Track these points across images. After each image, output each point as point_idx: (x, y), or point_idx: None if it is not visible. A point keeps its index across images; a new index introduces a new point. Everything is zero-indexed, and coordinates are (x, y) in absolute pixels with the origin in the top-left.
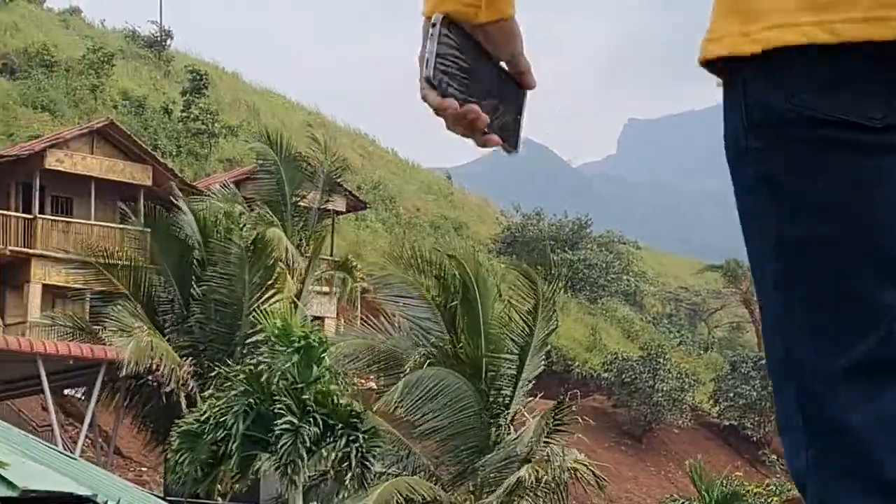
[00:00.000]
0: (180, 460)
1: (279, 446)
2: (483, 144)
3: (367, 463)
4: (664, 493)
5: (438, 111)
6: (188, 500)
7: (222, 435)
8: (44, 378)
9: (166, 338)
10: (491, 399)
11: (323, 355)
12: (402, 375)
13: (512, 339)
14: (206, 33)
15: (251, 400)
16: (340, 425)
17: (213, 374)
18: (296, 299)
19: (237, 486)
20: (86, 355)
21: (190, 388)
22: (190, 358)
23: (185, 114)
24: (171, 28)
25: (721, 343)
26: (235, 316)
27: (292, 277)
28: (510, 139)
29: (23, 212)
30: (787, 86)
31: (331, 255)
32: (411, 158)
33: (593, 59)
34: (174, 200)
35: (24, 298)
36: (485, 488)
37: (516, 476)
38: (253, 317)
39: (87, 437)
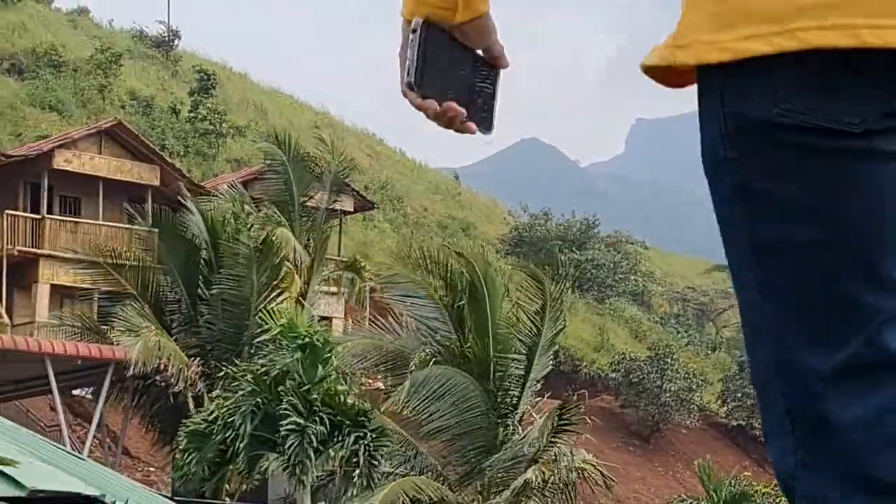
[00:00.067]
0: (188, 460)
1: (286, 447)
2: (460, 132)
3: (374, 462)
4: (672, 493)
5: (419, 109)
6: (195, 500)
7: (230, 435)
8: (52, 378)
9: (174, 338)
10: (499, 399)
11: (328, 355)
12: (409, 375)
13: (520, 340)
14: (214, 33)
15: (258, 400)
16: (348, 423)
17: (220, 374)
18: (302, 299)
19: (245, 486)
20: (94, 355)
21: (197, 388)
22: (197, 358)
23: (192, 114)
24: (178, 28)
25: (729, 343)
26: (243, 316)
27: (300, 277)
28: (485, 123)
29: (31, 212)
30: (764, 94)
31: (339, 256)
32: (419, 158)
33: (601, 59)
34: (182, 201)
35: (33, 298)
36: (492, 488)
37: (524, 477)
38: (259, 317)
39: (95, 437)
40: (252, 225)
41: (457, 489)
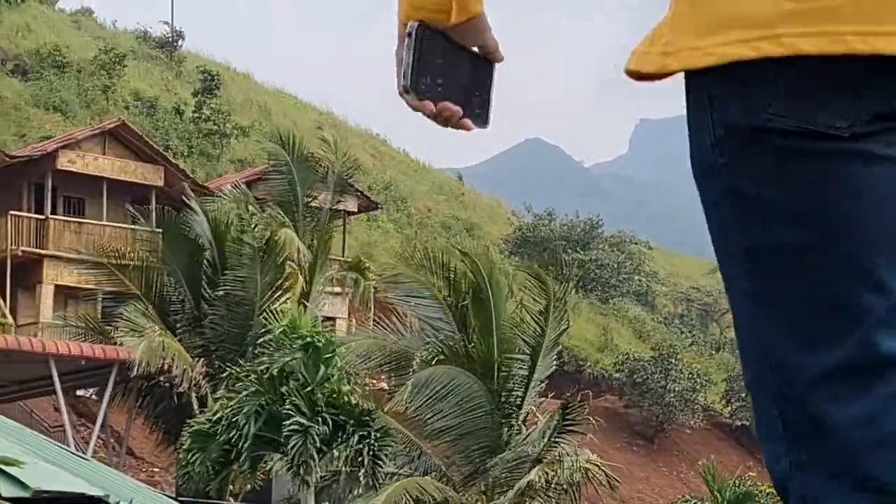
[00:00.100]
0: (191, 460)
1: (289, 447)
2: (458, 129)
3: (378, 462)
4: (676, 493)
5: (416, 110)
6: (199, 500)
7: (234, 435)
8: (56, 378)
9: (178, 338)
10: (502, 399)
11: (330, 355)
12: (411, 374)
13: (524, 340)
14: (218, 34)
15: (262, 401)
16: (352, 422)
17: (224, 374)
18: (304, 300)
19: (249, 486)
20: (98, 356)
21: (202, 388)
22: (202, 358)
23: (196, 114)
24: (182, 29)
25: (733, 343)
26: (247, 316)
27: (304, 278)
28: (481, 118)
29: (35, 212)
30: (752, 99)
31: (342, 256)
32: (422, 159)
33: (605, 59)
34: (186, 201)
35: (37, 299)
36: (496, 489)
37: (527, 478)
38: (263, 317)
39: (99, 437)
40: (256, 225)
41: (461, 489)
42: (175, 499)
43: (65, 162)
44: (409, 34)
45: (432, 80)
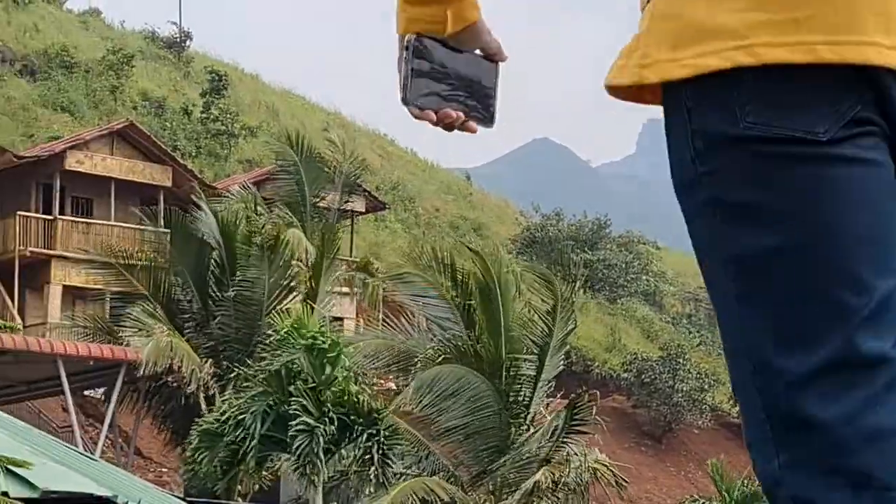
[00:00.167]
0: (198, 459)
1: (295, 447)
2: (463, 131)
3: (387, 461)
4: (684, 493)
5: (418, 119)
6: (207, 500)
7: (241, 435)
8: (64, 379)
9: (186, 338)
10: (510, 399)
11: (336, 356)
12: (415, 372)
13: (532, 340)
14: (226, 34)
15: (270, 401)
16: (361, 421)
17: (232, 374)
18: (312, 301)
19: (257, 486)
20: (106, 356)
21: (210, 388)
22: (210, 359)
23: (204, 115)
24: (190, 29)
25: None
26: (255, 316)
27: (311, 278)
28: (486, 118)
29: (43, 213)
30: (730, 108)
31: (350, 256)
32: (430, 159)
33: (612, 59)
34: (196, 200)
35: (45, 299)
36: (504, 489)
37: (534, 479)
38: (270, 318)
39: (107, 437)
40: (264, 225)
41: (469, 490)
42: (183, 499)
43: (73, 162)
44: (406, 47)
45: (432, 88)
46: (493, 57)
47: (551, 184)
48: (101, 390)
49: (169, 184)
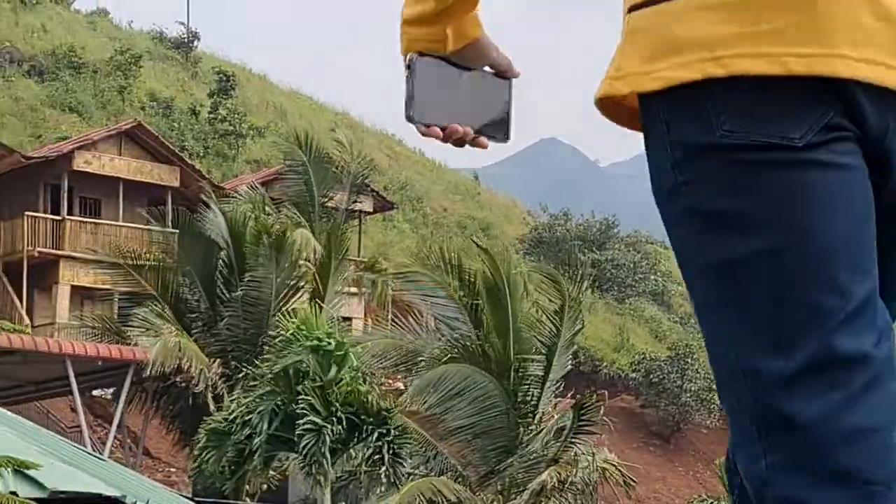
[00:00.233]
0: (206, 458)
1: (302, 446)
2: (474, 147)
3: (398, 460)
4: (693, 493)
5: (424, 136)
6: (216, 500)
7: (248, 434)
8: (72, 379)
9: (193, 338)
10: (518, 399)
11: (344, 356)
12: (419, 371)
13: (539, 340)
14: (234, 35)
15: (278, 400)
16: (371, 420)
17: (241, 374)
18: (320, 301)
19: (265, 486)
20: (114, 356)
21: (218, 388)
22: (218, 359)
23: (212, 115)
24: (198, 29)
25: None
26: (263, 317)
27: (319, 278)
28: (500, 133)
29: (51, 213)
30: (705, 118)
31: (358, 256)
32: (438, 159)
33: None
34: (205, 200)
35: (53, 300)
36: (513, 489)
37: (540, 479)
38: (278, 318)
39: (115, 437)
40: (272, 225)
41: (477, 490)
42: (191, 499)
43: (81, 163)
44: (408, 66)
45: (437, 106)
46: (504, 74)
47: (559, 184)
48: (110, 390)
49: (177, 184)
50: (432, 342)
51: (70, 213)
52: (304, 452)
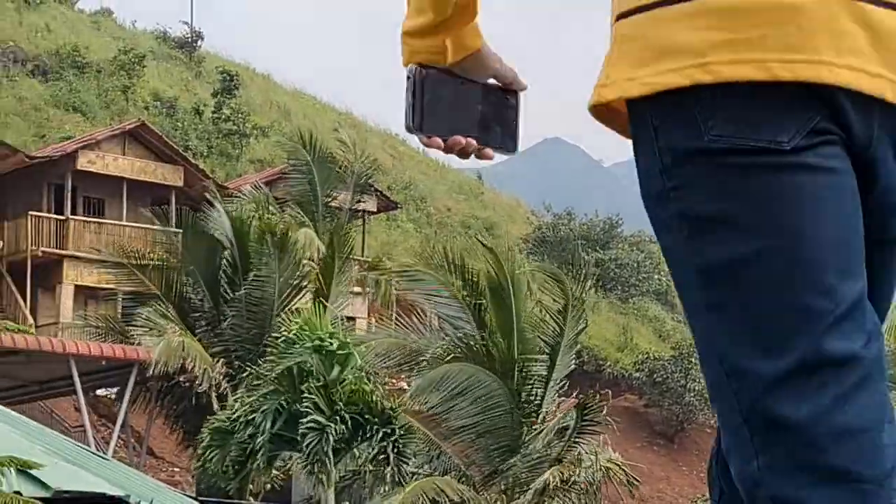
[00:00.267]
0: (209, 457)
1: (305, 445)
2: (479, 158)
3: (403, 459)
4: (696, 492)
5: (427, 147)
6: (219, 500)
7: (252, 433)
8: (76, 378)
9: (197, 338)
10: (522, 398)
11: (347, 356)
12: (421, 370)
13: (543, 339)
14: (238, 34)
15: (282, 399)
16: (375, 420)
17: (244, 374)
18: (323, 301)
19: (269, 485)
20: (118, 356)
21: (222, 388)
22: (221, 358)
23: (216, 115)
24: (201, 29)
25: None
26: (267, 316)
27: (323, 278)
28: (507, 144)
29: (55, 213)
30: (693, 123)
31: (362, 256)
32: (441, 158)
33: None
34: (210, 199)
35: (57, 299)
36: (516, 488)
37: (543, 479)
38: (281, 318)
39: (119, 437)
40: (276, 225)
41: (481, 489)
42: (195, 498)
43: (84, 162)
44: (408, 77)
45: (437, 117)
46: (509, 86)
47: (563, 183)
48: (114, 390)
49: (180, 184)
50: (436, 342)
51: (74, 212)
52: (307, 452)
